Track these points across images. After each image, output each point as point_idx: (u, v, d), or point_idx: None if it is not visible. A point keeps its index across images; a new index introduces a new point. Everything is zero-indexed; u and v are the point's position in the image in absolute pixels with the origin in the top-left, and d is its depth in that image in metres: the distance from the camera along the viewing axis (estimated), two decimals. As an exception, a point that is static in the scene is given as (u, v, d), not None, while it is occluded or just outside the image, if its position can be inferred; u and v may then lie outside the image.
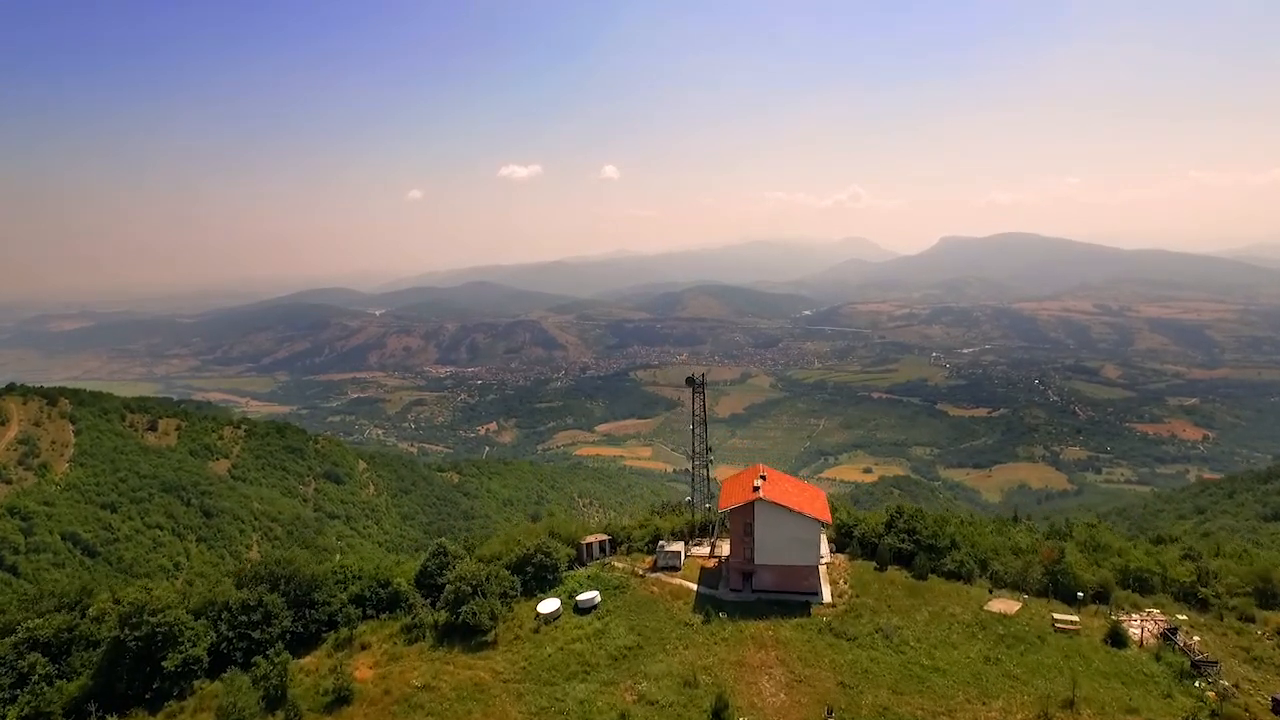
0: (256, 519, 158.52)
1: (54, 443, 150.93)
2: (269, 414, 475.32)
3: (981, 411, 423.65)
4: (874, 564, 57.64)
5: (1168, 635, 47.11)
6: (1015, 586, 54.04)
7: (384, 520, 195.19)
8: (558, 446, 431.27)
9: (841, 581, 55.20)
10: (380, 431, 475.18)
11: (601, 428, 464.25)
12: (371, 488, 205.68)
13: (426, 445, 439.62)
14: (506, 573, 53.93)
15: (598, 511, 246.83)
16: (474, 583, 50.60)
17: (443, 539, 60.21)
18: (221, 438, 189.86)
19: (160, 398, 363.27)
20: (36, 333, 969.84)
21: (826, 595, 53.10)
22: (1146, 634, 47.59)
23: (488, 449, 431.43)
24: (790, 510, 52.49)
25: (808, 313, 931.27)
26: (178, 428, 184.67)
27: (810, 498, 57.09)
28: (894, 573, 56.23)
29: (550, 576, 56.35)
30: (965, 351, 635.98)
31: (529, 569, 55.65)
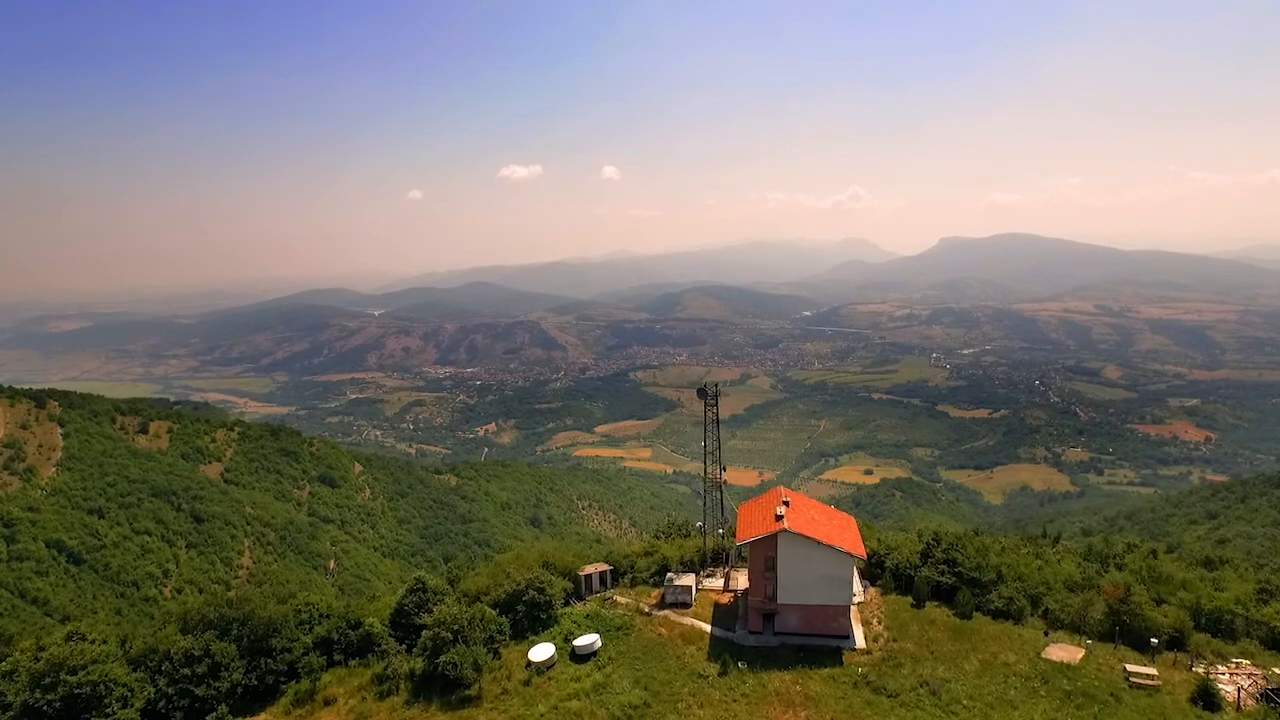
0: (249, 524, 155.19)
1: (41, 446, 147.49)
2: (267, 415, 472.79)
3: (982, 413, 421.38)
4: (910, 600, 51.26)
5: (1270, 696, 39.39)
6: (1073, 628, 47.20)
7: (380, 524, 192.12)
8: (557, 448, 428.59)
9: (875, 621, 49.06)
10: (379, 433, 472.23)
11: (601, 429, 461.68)
12: (367, 491, 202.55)
13: (425, 447, 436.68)
14: (493, 613, 48.03)
15: (597, 514, 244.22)
16: (455, 628, 44.31)
17: (421, 572, 53.65)
18: (214, 440, 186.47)
19: (156, 399, 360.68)
20: (35, 333, 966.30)
21: (859, 639, 46.92)
22: (1243, 694, 40.10)
23: (486, 450, 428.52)
24: (819, 543, 46.07)
25: (808, 313, 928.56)
26: (169, 430, 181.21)
27: (840, 526, 50.56)
28: (933, 610, 49.93)
29: (544, 616, 49.93)
30: (966, 352, 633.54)
31: (519, 608, 49.54)
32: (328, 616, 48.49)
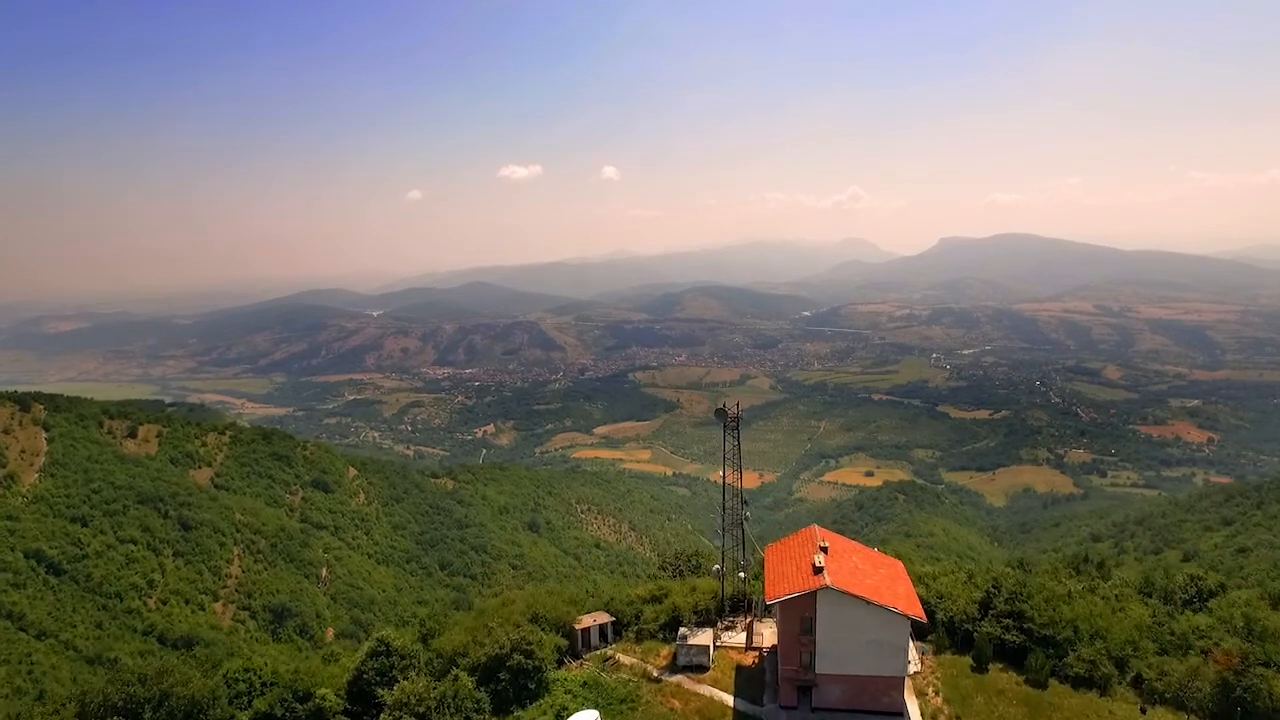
0: (239, 531, 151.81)
1: (24, 452, 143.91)
2: (265, 416, 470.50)
3: (983, 413, 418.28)
4: (969, 661, 43.58)
5: None
6: (1176, 704, 38.91)
7: (374, 530, 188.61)
8: (556, 449, 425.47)
9: (931, 691, 41.12)
10: (376, 434, 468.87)
11: (600, 430, 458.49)
12: (362, 496, 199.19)
13: (423, 448, 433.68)
14: (469, 684, 40.65)
15: (596, 518, 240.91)
16: (421, 710, 36.97)
17: (387, 630, 47.55)
18: (205, 444, 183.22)
19: (152, 400, 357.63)
20: (33, 334, 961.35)
21: (915, 717, 39.33)
22: None
23: (485, 451, 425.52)
24: (869, 602, 37.63)
25: (807, 314, 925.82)
26: (159, 434, 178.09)
27: (889, 578, 41.62)
28: (999, 675, 41.99)
29: (531, 685, 42.03)
30: (966, 353, 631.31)
31: (502, 675, 41.77)
32: (272, 685, 41.30)
